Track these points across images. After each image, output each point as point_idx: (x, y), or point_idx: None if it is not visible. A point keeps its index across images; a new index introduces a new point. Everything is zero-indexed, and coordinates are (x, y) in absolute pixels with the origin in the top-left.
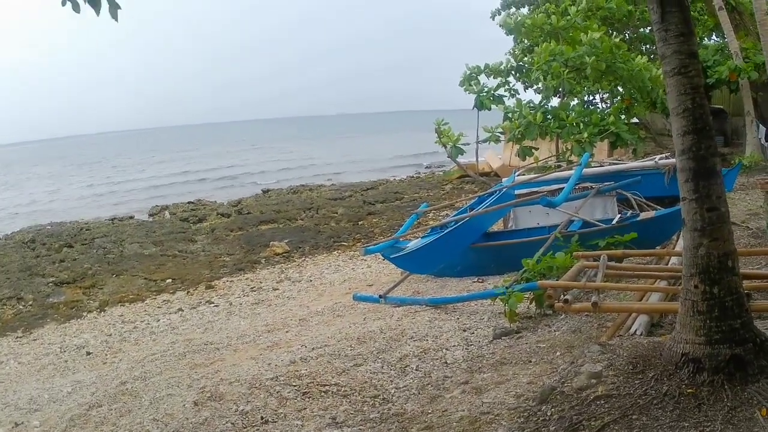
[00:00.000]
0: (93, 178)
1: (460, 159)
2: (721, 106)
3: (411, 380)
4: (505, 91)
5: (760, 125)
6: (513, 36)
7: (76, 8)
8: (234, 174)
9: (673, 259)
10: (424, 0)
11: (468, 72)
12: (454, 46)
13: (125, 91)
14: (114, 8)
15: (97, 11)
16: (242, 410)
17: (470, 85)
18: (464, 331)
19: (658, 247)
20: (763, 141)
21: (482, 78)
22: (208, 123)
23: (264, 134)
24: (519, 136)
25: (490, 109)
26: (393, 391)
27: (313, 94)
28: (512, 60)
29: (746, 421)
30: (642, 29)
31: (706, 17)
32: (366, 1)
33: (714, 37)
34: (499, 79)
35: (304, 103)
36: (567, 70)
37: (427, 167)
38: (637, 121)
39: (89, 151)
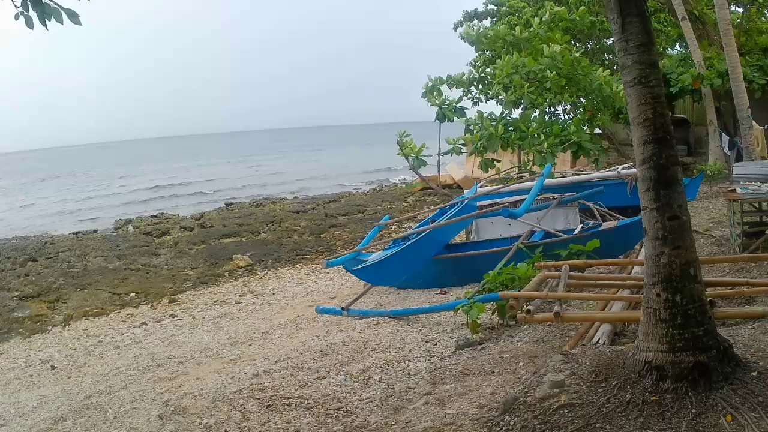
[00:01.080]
0: (60, 192)
1: (423, 171)
2: (684, 116)
3: (374, 392)
4: (468, 99)
5: (723, 134)
6: (474, 47)
7: (29, 24)
8: (198, 187)
9: (636, 269)
10: (392, 16)
11: (430, 83)
12: (419, 59)
13: (106, 100)
14: (74, 17)
15: (59, 20)
16: (206, 423)
17: (433, 96)
18: (427, 342)
19: (620, 257)
20: (725, 150)
21: (444, 89)
22: (181, 136)
23: (233, 147)
24: (481, 148)
25: (452, 120)
26: (356, 403)
27: (283, 109)
28: (474, 71)
29: (711, 427)
30: (605, 40)
31: (669, 28)
32: (333, 20)
33: (678, 47)
34: (462, 89)
35: (275, 117)
36: (528, 84)
37: (393, 182)
38: (600, 131)
39: (63, 163)
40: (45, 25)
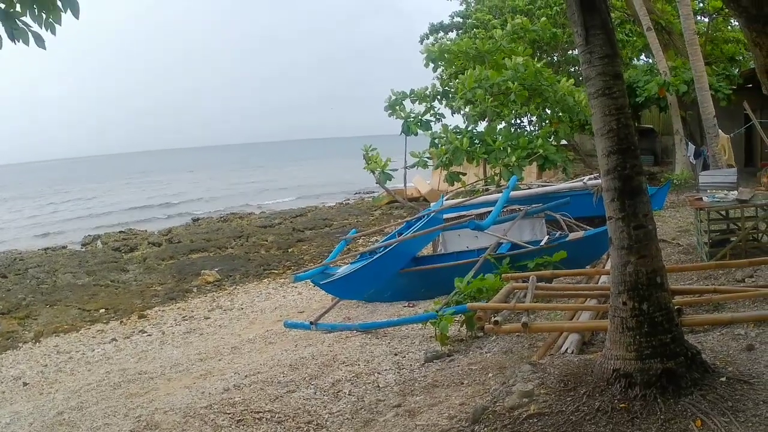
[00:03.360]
0: (27, 208)
1: (389, 184)
2: (651, 126)
3: (344, 405)
4: (431, 116)
5: (689, 143)
6: (433, 65)
7: None
8: (165, 203)
9: (603, 278)
10: (359, 29)
11: (393, 97)
12: (387, 72)
13: (79, 113)
14: (40, 41)
15: (25, 41)
16: None
17: (396, 110)
18: (396, 355)
19: (587, 267)
20: (692, 159)
21: (407, 103)
22: (143, 151)
23: (198, 162)
24: (446, 161)
25: (416, 134)
26: (326, 416)
27: (246, 123)
28: (438, 85)
29: None
30: (570, 51)
31: (635, 38)
32: (306, 32)
33: (644, 57)
34: (424, 104)
35: (238, 131)
36: (491, 98)
37: (356, 193)
38: (566, 142)
39: (32, 179)
40: (13, 41)
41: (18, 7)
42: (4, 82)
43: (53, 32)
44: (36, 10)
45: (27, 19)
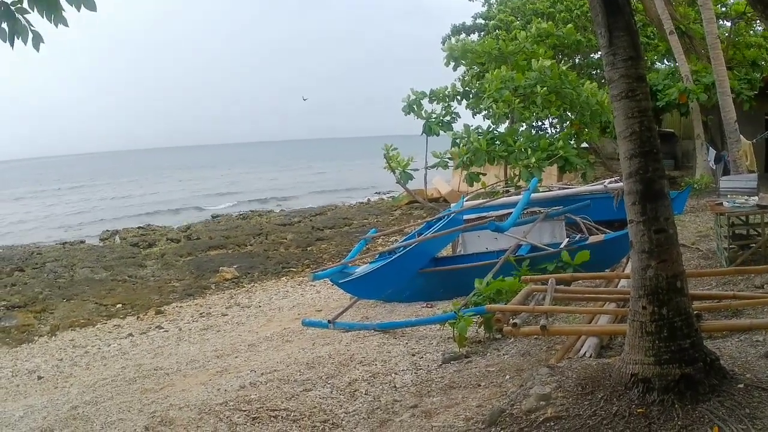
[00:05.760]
0: (47, 201)
1: (409, 184)
2: (672, 130)
3: (360, 404)
4: (447, 115)
5: (710, 148)
6: (453, 64)
7: (2, 37)
8: (184, 199)
9: (622, 282)
10: (394, 33)
11: (412, 97)
12: (415, 74)
13: (102, 109)
14: (37, 40)
15: (24, 41)
16: None
17: (414, 109)
18: (413, 355)
19: (607, 270)
20: (712, 164)
21: (425, 103)
22: (177, 146)
23: (228, 158)
24: (467, 162)
25: (438, 134)
26: (342, 415)
27: (267, 123)
28: (458, 85)
29: None
30: (592, 55)
31: (657, 41)
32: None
33: (666, 61)
34: (442, 105)
35: (261, 130)
36: (518, 99)
37: (377, 192)
38: (587, 145)
39: (50, 173)
40: (12, 43)
41: (25, 4)
42: (25, 85)
43: (65, 24)
44: (44, 12)
45: (31, 17)
